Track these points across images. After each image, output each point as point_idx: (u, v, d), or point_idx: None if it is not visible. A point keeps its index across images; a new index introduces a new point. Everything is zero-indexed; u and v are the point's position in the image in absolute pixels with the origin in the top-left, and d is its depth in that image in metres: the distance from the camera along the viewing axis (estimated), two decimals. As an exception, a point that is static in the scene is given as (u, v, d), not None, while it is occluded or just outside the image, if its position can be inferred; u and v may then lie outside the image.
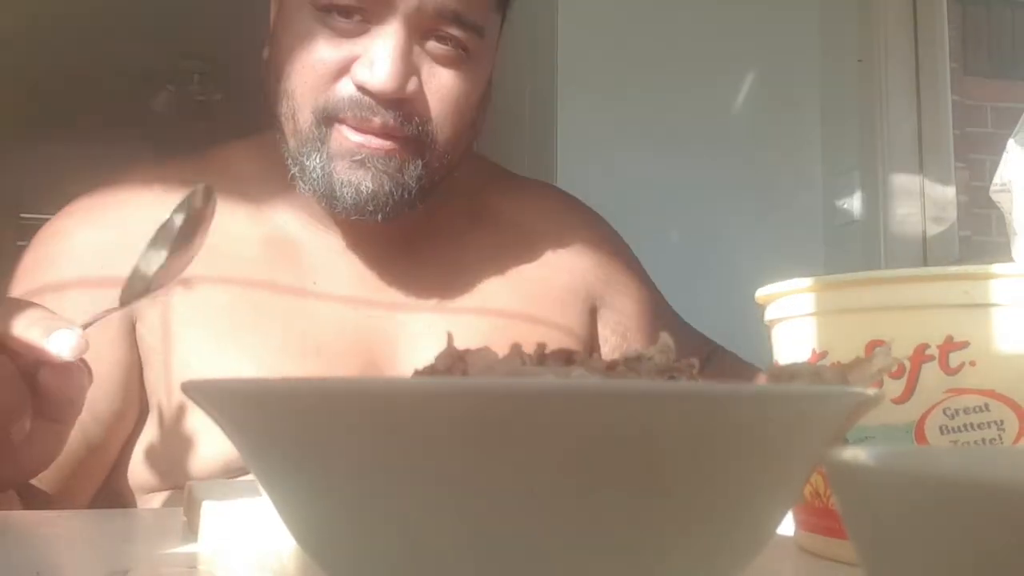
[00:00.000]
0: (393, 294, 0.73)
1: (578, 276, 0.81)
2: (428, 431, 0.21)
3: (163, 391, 0.69)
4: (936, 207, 1.72)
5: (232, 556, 0.39)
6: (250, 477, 0.59)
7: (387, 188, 0.65)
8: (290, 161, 0.68)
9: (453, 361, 0.28)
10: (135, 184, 0.73)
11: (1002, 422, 0.36)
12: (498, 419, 0.21)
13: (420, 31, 0.64)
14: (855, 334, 0.39)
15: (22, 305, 0.48)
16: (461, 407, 0.21)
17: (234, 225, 0.71)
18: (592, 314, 0.82)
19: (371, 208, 0.65)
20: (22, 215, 4.51)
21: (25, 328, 0.46)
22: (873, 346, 0.38)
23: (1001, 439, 0.36)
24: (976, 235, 2.04)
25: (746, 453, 0.22)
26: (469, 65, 0.67)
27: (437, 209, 0.76)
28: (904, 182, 1.72)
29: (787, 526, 0.39)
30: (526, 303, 0.77)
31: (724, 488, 0.23)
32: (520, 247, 0.80)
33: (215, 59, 3.81)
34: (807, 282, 0.41)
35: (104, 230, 0.69)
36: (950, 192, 1.72)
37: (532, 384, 0.22)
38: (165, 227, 0.51)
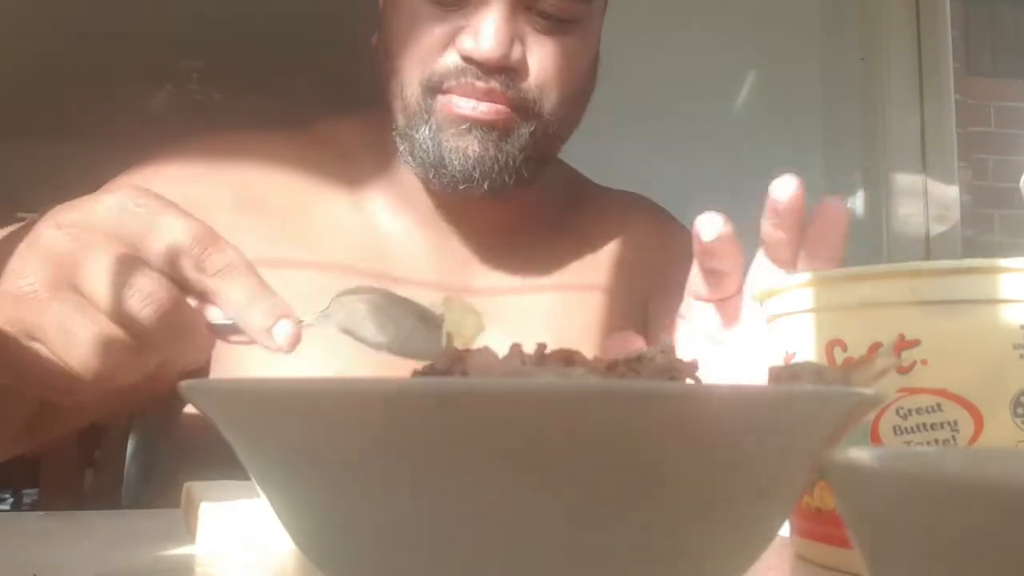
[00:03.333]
0: (464, 286, 0.74)
1: (638, 293, 0.81)
2: (424, 432, 0.21)
3: (229, 363, 0.69)
4: (939, 207, 1.72)
5: (230, 558, 0.39)
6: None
7: (492, 153, 0.65)
8: (399, 139, 0.69)
9: (452, 361, 0.28)
10: (221, 146, 0.75)
11: (956, 422, 0.35)
12: (496, 420, 0.21)
13: (524, 1, 0.65)
14: (815, 333, 0.39)
15: (240, 259, 0.40)
16: (457, 407, 0.21)
17: (332, 208, 0.73)
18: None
19: (477, 174, 0.66)
20: (19, 214, 4.51)
21: (246, 300, 0.40)
22: (832, 346, 0.38)
23: (955, 440, 0.35)
24: (979, 235, 2.04)
25: (747, 454, 0.22)
26: (575, 33, 0.68)
27: (524, 217, 0.77)
28: (907, 181, 1.71)
29: (784, 531, 0.39)
30: (590, 318, 0.77)
31: (724, 489, 0.22)
32: (594, 262, 0.80)
33: (214, 59, 3.82)
34: (785, 283, 0.41)
35: (185, 185, 0.68)
36: (953, 191, 1.72)
37: (527, 385, 0.22)
38: (423, 321, 0.47)
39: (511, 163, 0.66)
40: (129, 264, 0.39)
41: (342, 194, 0.74)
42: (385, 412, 0.21)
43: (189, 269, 0.40)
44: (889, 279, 0.37)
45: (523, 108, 0.66)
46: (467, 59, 0.64)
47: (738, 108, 1.88)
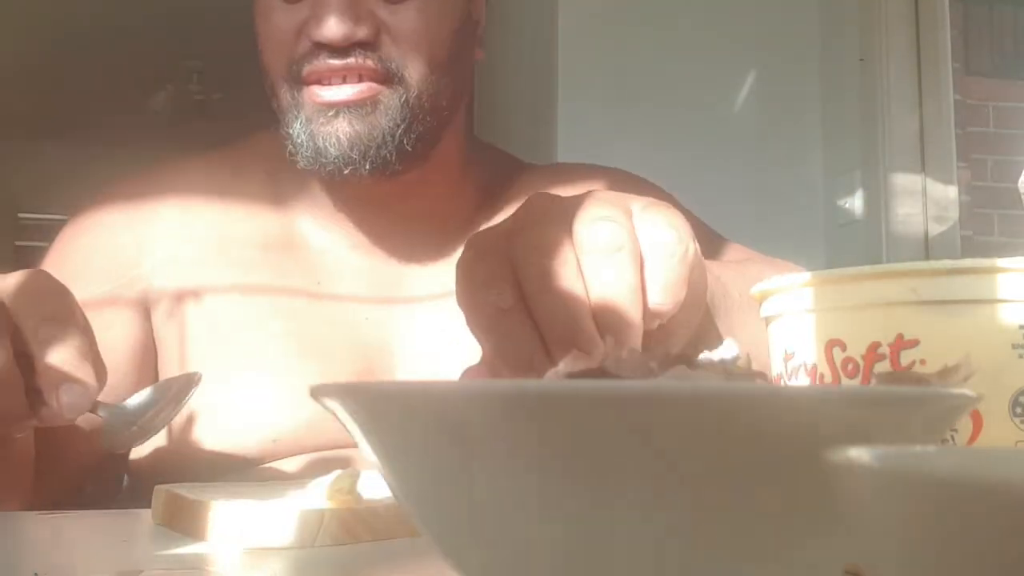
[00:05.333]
0: (399, 290, 0.74)
1: None
2: (589, 434, 0.21)
3: None
4: (938, 207, 1.72)
5: (239, 557, 0.39)
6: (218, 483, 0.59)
7: (365, 130, 0.66)
8: (284, 139, 0.69)
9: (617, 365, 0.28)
10: (153, 184, 0.75)
11: None
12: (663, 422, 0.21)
13: None
14: (815, 333, 0.39)
15: (59, 313, 0.47)
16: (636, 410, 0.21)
17: (246, 224, 0.73)
18: None
19: (356, 155, 0.66)
20: (20, 215, 4.52)
21: (57, 355, 0.46)
22: (831, 346, 0.38)
23: (954, 440, 0.35)
24: (978, 235, 2.04)
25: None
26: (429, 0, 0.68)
27: (450, 196, 0.76)
28: (906, 182, 1.71)
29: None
30: None
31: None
32: None
33: (214, 59, 3.81)
34: (779, 283, 0.41)
35: (119, 233, 0.72)
36: (952, 192, 1.72)
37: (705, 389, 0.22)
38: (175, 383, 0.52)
39: (388, 137, 0.66)
40: None
41: (268, 211, 0.74)
42: (542, 411, 0.22)
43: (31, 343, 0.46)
44: (888, 279, 0.37)
45: (387, 78, 0.66)
46: (318, 44, 0.65)
47: (738, 108, 1.88)
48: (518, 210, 0.43)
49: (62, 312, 0.48)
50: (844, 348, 0.38)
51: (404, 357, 0.72)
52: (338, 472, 0.45)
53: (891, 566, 0.15)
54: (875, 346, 0.37)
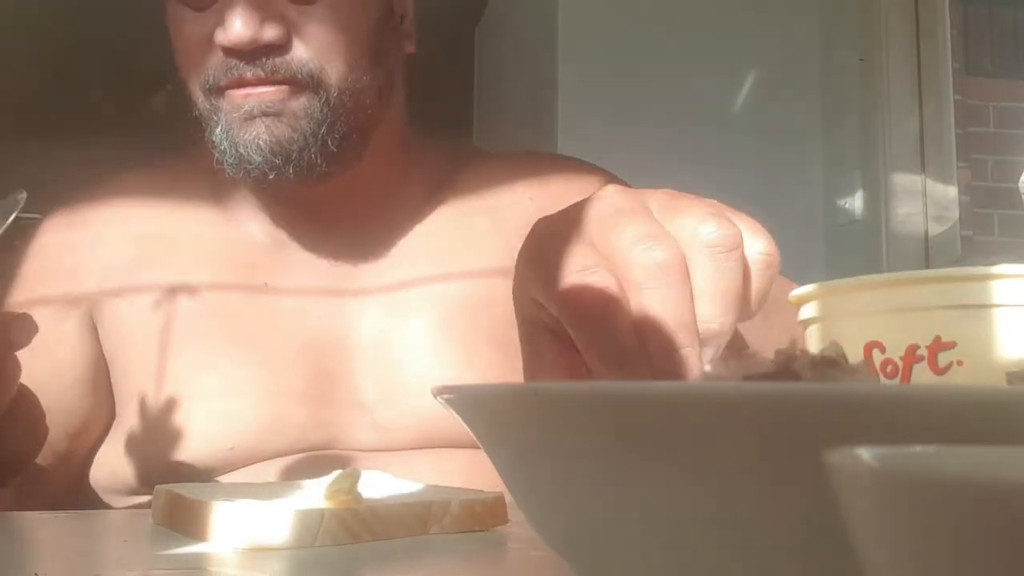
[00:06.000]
0: (349, 286, 0.73)
1: (515, 230, 0.72)
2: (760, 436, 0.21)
3: (128, 395, 0.71)
4: (938, 207, 1.72)
5: (239, 557, 0.39)
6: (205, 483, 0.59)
7: (286, 135, 0.65)
8: (210, 147, 0.68)
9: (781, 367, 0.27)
10: (109, 191, 0.76)
11: None
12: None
13: None
14: (854, 336, 0.40)
15: None
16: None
17: (189, 230, 0.73)
18: None
19: (279, 160, 0.65)
20: (20, 215, 4.51)
21: None
22: (871, 347, 0.39)
23: None
24: (978, 235, 2.04)
25: None
26: None
27: (384, 187, 0.75)
28: (906, 182, 1.71)
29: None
30: (474, 288, 0.73)
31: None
32: (467, 217, 0.76)
33: (216, 59, 3.81)
34: (822, 288, 0.42)
35: (73, 231, 0.74)
36: (952, 192, 1.72)
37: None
38: None
39: (311, 139, 0.65)
40: None
41: (208, 210, 0.74)
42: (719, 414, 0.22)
43: None
44: (926, 284, 0.39)
45: (301, 82, 0.65)
46: (227, 52, 0.64)
47: (738, 107, 1.88)
48: (589, 201, 0.41)
49: None
50: (883, 350, 0.39)
51: (359, 353, 0.71)
52: (338, 472, 0.45)
53: (891, 566, 0.15)
54: (913, 348, 0.38)
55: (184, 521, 0.43)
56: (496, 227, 0.75)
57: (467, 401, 0.27)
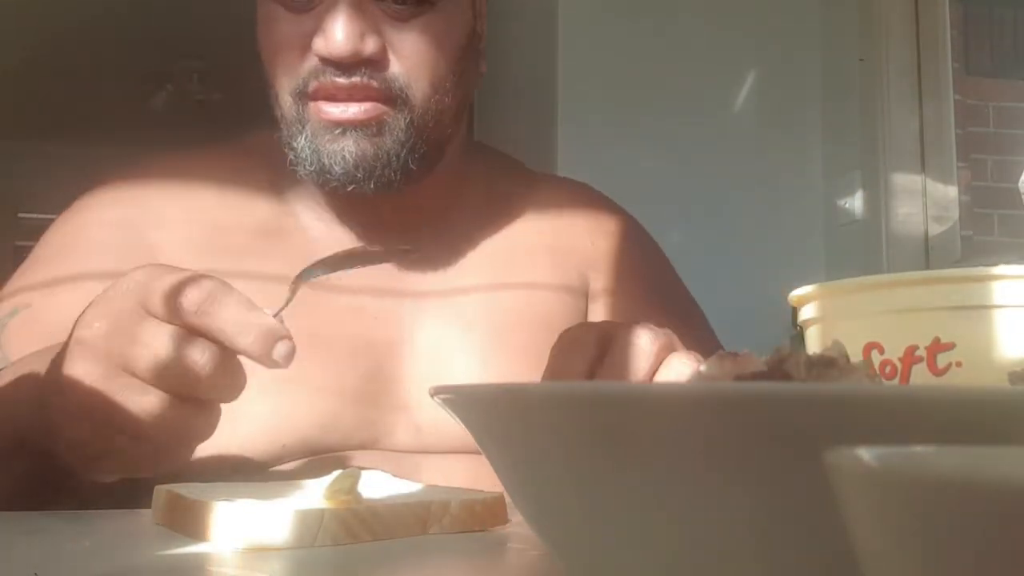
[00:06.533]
0: (399, 291, 0.74)
1: (574, 262, 0.80)
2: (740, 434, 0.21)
3: None
4: (938, 207, 1.72)
5: (239, 557, 0.39)
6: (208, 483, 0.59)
7: (371, 151, 0.66)
8: (286, 149, 0.69)
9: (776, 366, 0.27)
10: (159, 170, 0.76)
11: None
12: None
13: None
14: (853, 337, 0.40)
15: (217, 290, 0.46)
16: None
17: (248, 219, 0.73)
18: (586, 298, 0.81)
19: (361, 175, 0.66)
20: (20, 215, 4.52)
21: (234, 331, 0.45)
22: (869, 348, 0.39)
23: None
24: (978, 235, 2.04)
25: None
26: (434, 15, 0.67)
27: (446, 196, 0.76)
28: (906, 182, 1.71)
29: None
30: (526, 301, 0.76)
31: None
32: (525, 234, 0.79)
33: (215, 59, 3.81)
34: (821, 289, 0.42)
35: (126, 208, 0.73)
36: (952, 192, 1.72)
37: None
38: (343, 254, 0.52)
39: (393, 158, 0.67)
40: (174, 337, 0.45)
41: (266, 201, 0.74)
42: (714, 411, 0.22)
43: (187, 316, 0.45)
44: (925, 285, 0.39)
45: (392, 99, 0.66)
46: (324, 60, 0.65)
47: (738, 108, 1.88)
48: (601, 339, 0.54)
49: (194, 280, 0.47)
50: (882, 351, 0.39)
51: (410, 356, 0.72)
52: (338, 472, 0.45)
53: (891, 566, 0.15)
54: (912, 349, 0.38)
55: (184, 521, 0.44)
56: (553, 250, 0.79)
57: (462, 401, 0.27)
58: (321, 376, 0.68)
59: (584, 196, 0.86)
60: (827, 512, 0.21)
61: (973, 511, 0.12)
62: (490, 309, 0.74)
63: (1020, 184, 0.91)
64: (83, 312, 0.48)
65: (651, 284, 0.85)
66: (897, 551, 0.15)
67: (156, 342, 0.45)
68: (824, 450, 0.16)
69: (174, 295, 0.45)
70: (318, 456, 0.67)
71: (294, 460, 0.67)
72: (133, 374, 0.45)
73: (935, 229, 1.71)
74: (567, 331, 0.57)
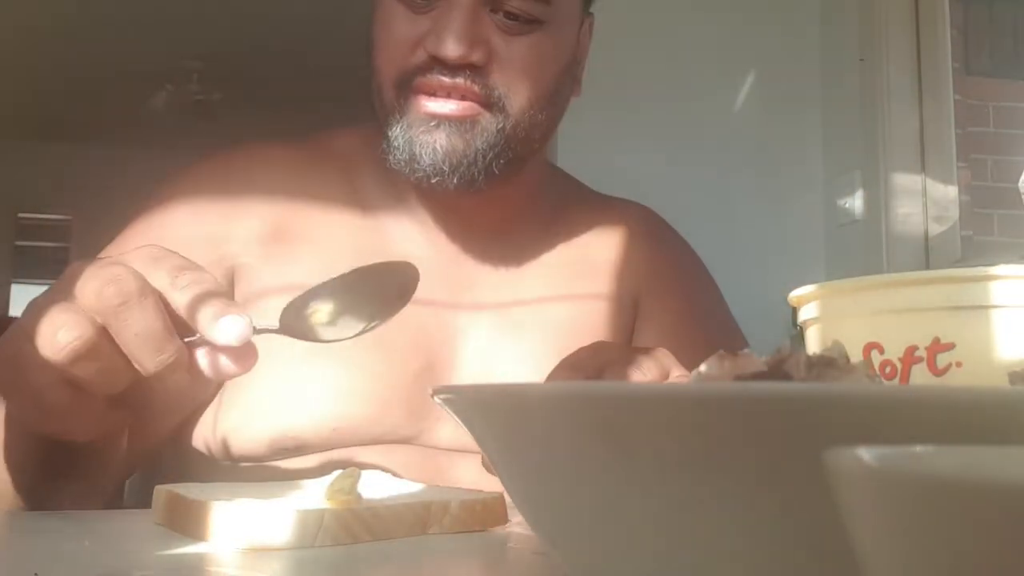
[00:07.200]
0: (460, 292, 0.77)
1: (626, 279, 0.83)
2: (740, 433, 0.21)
3: None
4: (938, 207, 1.72)
5: (239, 557, 0.39)
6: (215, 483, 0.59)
7: (460, 147, 0.69)
8: (383, 139, 0.72)
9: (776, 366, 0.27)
10: (237, 162, 0.78)
11: None
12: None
13: (489, 3, 0.69)
14: (853, 336, 0.39)
15: (183, 265, 0.47)
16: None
17: (326, 208, 0.76)
18: (633, 314, 0.84)
19: (447, 167, 0.69)
20: (20, 215, 4.52)
21: (196, 303, 0.45)
22: (869, 348, 0.39)
23: None
24: (978, 235, 2.04)
25: None
26: (542, 35, 0.71)
27: (515, 209, 0.80)
28: (906, 182, 1.71)
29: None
30: (579, 315, 0.80)
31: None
32: (586, 264, 0.82)
33: (214, 59, 3.81)
34: (821, 289, 0.42)
35: (206, 207, 0.75)
36: (952, 192, 1.72)
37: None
38: (341, 279, 0.50)
39: (480, 158, 0.70)
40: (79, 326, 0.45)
41: (340, 194, 0.77)
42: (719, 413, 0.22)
43: (101, 316, 0.45)
44: (925, 285, 0.39)
45: (490, 104, 0.70)
46: (433, 59, 0.69)
47: (738, 108, 1.88)
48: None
49: (188, 262, 0.48)
50: (882, 351, 0.39)
51: (462, 356, 0.75)
52: (338, 472, 0.45)
53: (891, 566, 0.15)
54: (912, 349, 0.38)
55: (184, 521, 0.44)
56: (608, 265, 0.83)
57: (462, 402, 0.27)
58: (380, 365, 0.71)
59: (645, 219, 0.89)
60: (827, 512, 0.21)
61: (973, 511, 0.12)
62: (543, 319, 0.78)
63: (1020, 184, 0.91)
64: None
65: (697, 307, 0.88)
66: (897, 551, 0.15)
67: (61, 327, 0.45)
68: (824, 450, 0.16)
69: (96, 288, 0.45)
70: (362, 445, 0.69)
71: (340, 448, 0.68)
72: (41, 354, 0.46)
73: (935, 229, 1.71)
74: (570, 355, 0.60)
